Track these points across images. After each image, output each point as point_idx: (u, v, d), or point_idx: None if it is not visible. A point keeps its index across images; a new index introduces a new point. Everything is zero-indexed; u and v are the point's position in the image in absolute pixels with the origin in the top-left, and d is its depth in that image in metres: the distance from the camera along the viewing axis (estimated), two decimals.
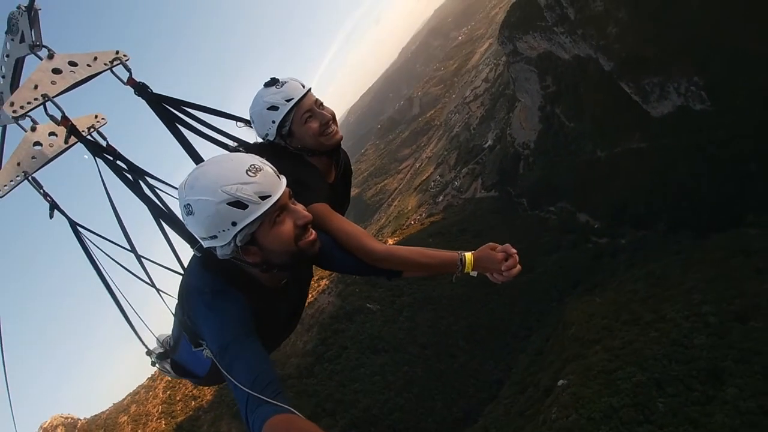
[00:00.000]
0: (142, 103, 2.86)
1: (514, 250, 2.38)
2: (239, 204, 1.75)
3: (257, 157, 1.88)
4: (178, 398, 66.77)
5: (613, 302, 42.23)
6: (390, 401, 51.87)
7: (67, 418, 72.47)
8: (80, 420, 72.49)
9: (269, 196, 1.79)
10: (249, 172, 1.78)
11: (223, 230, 1.79)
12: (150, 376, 75.99)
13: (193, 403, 64.37)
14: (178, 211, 2.07)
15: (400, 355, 56.48)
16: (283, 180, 1.88)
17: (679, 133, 51.61)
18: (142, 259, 3.04)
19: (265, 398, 1.56)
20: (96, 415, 73.12)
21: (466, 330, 56.58)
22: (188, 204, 1.80)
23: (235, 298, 1.90)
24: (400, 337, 58.17)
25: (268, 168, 1.84)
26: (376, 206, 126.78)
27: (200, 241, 1.93)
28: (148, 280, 3.05)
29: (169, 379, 69.29)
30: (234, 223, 1.77)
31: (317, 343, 60.48)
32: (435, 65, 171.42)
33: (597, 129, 60.73)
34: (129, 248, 2.97)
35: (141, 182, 2.74)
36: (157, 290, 3.00)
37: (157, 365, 3.11)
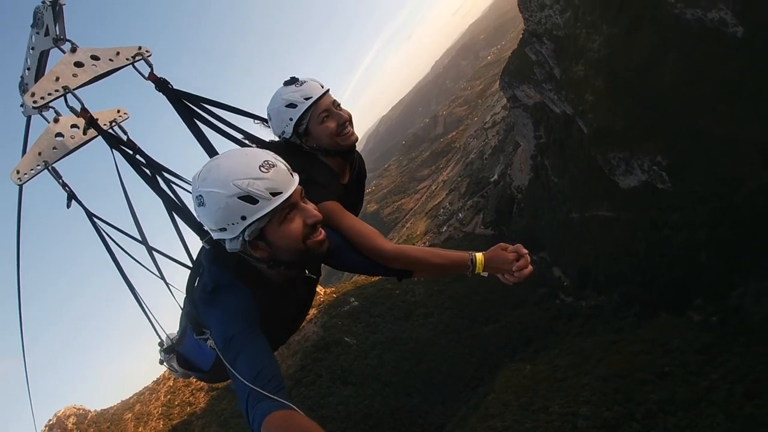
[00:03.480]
0: (163, 99, 2.93)
1: (525, 251, 2.44)
2: (250, 199, 1.79)
3: (272, 153, 1.93)
4: (176, 402, 74.50)
5: (533, 376, 45.03)
6: (346, 430, 56.53)
7: (79, 409, 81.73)
8: (90, 412, 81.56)
9: (280, 193, 1.83)
10: (262, 168, 1.81)
11: (233, 223, 1.83)
12: (155, 379, 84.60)
13: (188, 408, 71.98)
14: (191, 205, 2.11)
15: (365, 389, 60.83)
16: (296, 178, 1.93)
17: (642, 208, 52.65)
18: (153, 252, 3.10)
19: (266, 393, 1.57)
20: (105, 410, 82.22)
21: (425, 373, 60.13)
22: (200, 195, 1.84)
23: (243, 292, 1.95)
24: (367, 372, 62.48)
25: (281, 165, 1.89)
26: (392, 224, 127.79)
27: (210, 232, 1.98)
28: (158, 273, 3.10)
29: (171, 384, 77.41)
30: (243, 217, 1.81)
31: (298, 368, 65.63)
32: (463, 84, 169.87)
33: (574, 190, 62.19)
34: (141, 241, 3.03)
35: (158, 177, 2.81)
36: (166, 283, 3.05)
37: (165, 364, 3.15)
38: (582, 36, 59.78)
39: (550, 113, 68.41)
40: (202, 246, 2.20)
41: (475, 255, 2.49)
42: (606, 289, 55.80)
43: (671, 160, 50.38)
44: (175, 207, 2.55)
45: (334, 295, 74.83)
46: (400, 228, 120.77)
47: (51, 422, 78.51)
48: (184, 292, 2.27)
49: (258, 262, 1.98)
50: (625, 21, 55.63)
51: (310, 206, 1.97)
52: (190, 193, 2.10)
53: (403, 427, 55.83)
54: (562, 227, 63.52)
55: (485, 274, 2.53)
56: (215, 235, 1.94)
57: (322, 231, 2.00)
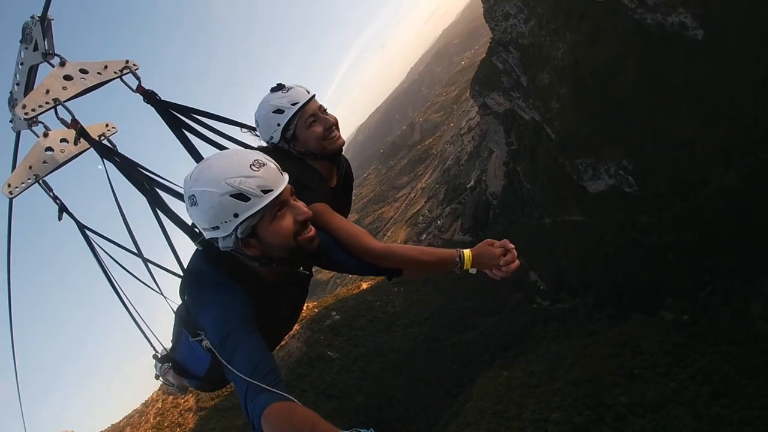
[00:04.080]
0: (151, 111, 2.98)
1: (512, 246, 2.54)
2: (242, 196, 1.84)
3: (262, 153, 1.97)
4: (165, 424, 74.37)
5: (509, 383, 45.73)
6: None
7: None
8: None
9: (271, 190, 1.88)
10: (253, 167, 1.86)
11: (225, 221, 1.88)
12: (144, 401, 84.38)
13: (178, 429, 71.92)
14: (180, 211, 2.18)
15: (349, 402, 61.18)
16: (285, 176, 1.98)
17: (610, 212, 53.72)
18: (149, 263, 3.08)
19: (264, 386, 1.59)
20: None
21: (407, 383, 60.48)
22: (193, 195, 1.89)
23: (236, 290, 1.98)
24: (350, 385, 62.84)
25: (271, 164, 1.94)
26: (372, 233, 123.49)
27: (202, 232, 2.02)
28: (155, 287, 3.08)
29: (160, 405, 77.05)
30: (236, 215, 1.86)
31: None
32: (438, 90, 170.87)
33: (545, 195, 63.22)
34: (136, 253, 3.03)
35: (148, 185, 2.75)
36: (165, 297, 2.97)
37: (161, 378, 3.17)
38: (546, 44, 60.91)
39: (520, 120, 69.50)
40: (195, 250, 2.24)
41: (462, 251, 2.56)
42: (580, 292, 56.78)
43: (636, 164, 51.47)
44: (167, 211, 2.55)
45: (316, 310, 74.99)
46: (381, 237, 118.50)
47: None
48: (178, 298, 2.33)
49: (250, 260, 2.04)
50: (588, 28, 56.74)
51: (300, 204, 2.03)
52: (184, 203, 2.25)
53: None
54: (535, 232, 64.51)
55: (473, 270, 2.61)
56: (208, 235, 2.00)
57: (312, 228, 2.06)
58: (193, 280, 2.15)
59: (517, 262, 2.53)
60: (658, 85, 49.94)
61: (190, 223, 2.23)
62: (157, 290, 3.02)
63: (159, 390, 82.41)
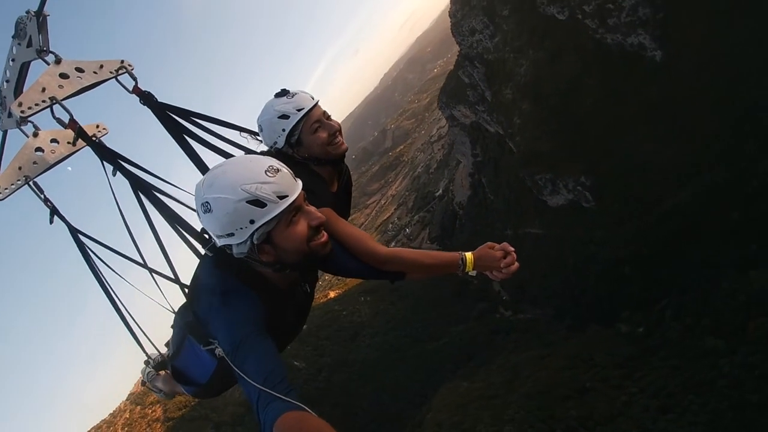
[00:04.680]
0: (143, 114, 2.95)
1: (512, 248, 2.67)
2: (258, 203, 1.85)
3: (274, 159, 1.99)
4: None
5: (468, 394, 46.73)
6: None
7: None
8: None
9: (287, 196, 1.91)
10: (268, 173, 1.88)
11: (241, 228, 1.89)
12: (111, 412, 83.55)
13: None
14: (185, 215, 2.26)
15: (314, 411, 61.19)
16: (299, 182, 2.00)
17: (569, 226, 55.20)
18: (148, 270, 3.02)
19: (277, 394, 1.60)
20: None
21: (371, 393, 61.25)
22: (207, 202, 1.89)
23: (248, 296, 2.00)
24: (316, 395, 63.12)
25: (285, 170, 1.96)
26: None
27: (215, 239, 2.02)
28: (151, 292, 3.01)
29: (128, 416, 76.40)
30: (252, 221, 1.87)
31: None
32: (410, 97, 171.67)
33: (507, 207, 64.55)
34: (144, 266, 2.97)
35: (149, 187, 2.77)
36: (168, 303, 2.94)
37: (147, 384, 3.15)
38: (510, 60, 62.23)
39: (485, 133, 70.70)
40: (204, 256, 2.24)
41: (465, 255, 2.68)
42: (540, 302, 58.23)
43: (594, 180, 52.91)
44: (170, 213, 2.56)
45: None
46: None
47: None
48: (171, 303, 2.36)
49: (264, 266, 2.05)
50: (550, 46, 58.24)
51: (313, 209, 2.05)
52: (183, 204, 2.37)
53: None
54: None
55: (474, 273, 2.72)
56: (221, 241, 1.99)
57: (325, 233, 2.09)
58: (203, 286, 2.15)
59: (517, 264, 2.68)
60: (617, 104, 51.39)
61: (199, 229, 2.27)
62: (162, 299, 3.00)
63: (127, 400, 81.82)
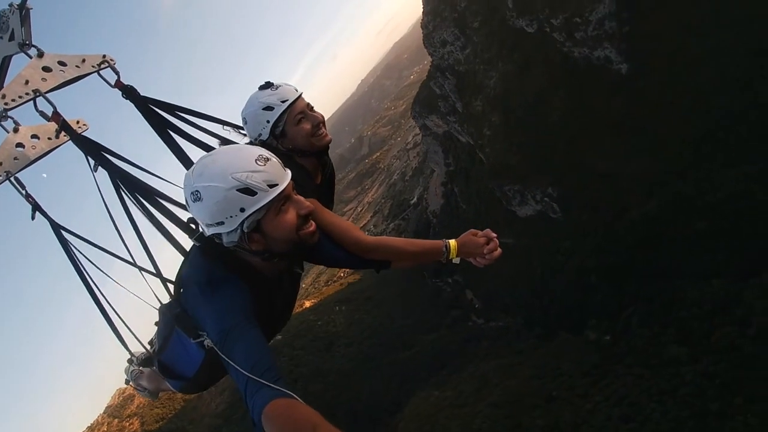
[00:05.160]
0: (127, 109, 2.90)
1: (494, 234, 2.68)
2: (248, 191, 1.86)
3: (263, 149, 2.00)
4: None
5: (438, 403, 47.56)
6: None
7: None
8: None
9: (277, 184, 1.91)
10: (258, 162, 1.89)
11: (231, 216, 1.89)
12: (89, 425, 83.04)
13: None
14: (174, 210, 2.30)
15: None
16: (288, 172, 2.00)
17: (538, 236, 56.26)
18: (132, 264, 2.98)
19: (265, 382, 1.58)
20: None
21: (346, 402, 61.63)
22: (197, 191, 1.89)
23: (236, 285, 1.99)
24: None
25: (274, 159, 1.97)
26: None
27: (204, 228, 2.02)
28: (139, 290, 2.97)
29: (105, 429, 75.81)
30: (242, 209, 1.88)
31: (226, 406, 66.06)
32: (386, 103, 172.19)
33: (478, 216, 65.46)
34: (134, 264, 2.95)
35: (134, 180, 2.74)
36: (144, 293, 2.88)
37: (132, 383, 3.14)
38: (480, 72, 63.27)
39: (457, 142, 71.64)
40: (192, 246, 2.24)
41: (448, 242, 2.65)
42: (511, 311, 59.19)
43: (561, 192, 54.08)
44: (161, 208, 2.56)
45: None
46: None
47: None
48: (155, 297, 2.36)
49: (253, 255, 2.04)
50: (519, 58, 59.36)
51: (302, 198, 2.06)
52: (170, 201, 2.38)
53: None
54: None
55: (457, 260, 2.70)
56: (211, 230, 1.99)
57: (313, 222, 2.09)
58: (191, 277, 2.15)
59: (499, 250, 2.69)
60: (583, 116, 52.51)
61: (185, 220, 2.26)
62: (148, 295, 2.91)
63: (104, 413, 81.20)
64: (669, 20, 47.26)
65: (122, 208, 2.65)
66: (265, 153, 1.95)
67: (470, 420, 42.04)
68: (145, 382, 3.12)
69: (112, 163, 2.73)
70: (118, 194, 2.64)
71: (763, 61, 41.98)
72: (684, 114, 45.57)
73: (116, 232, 2.91)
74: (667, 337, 42.05)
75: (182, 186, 2.01)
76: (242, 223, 1.91)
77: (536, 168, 55.79)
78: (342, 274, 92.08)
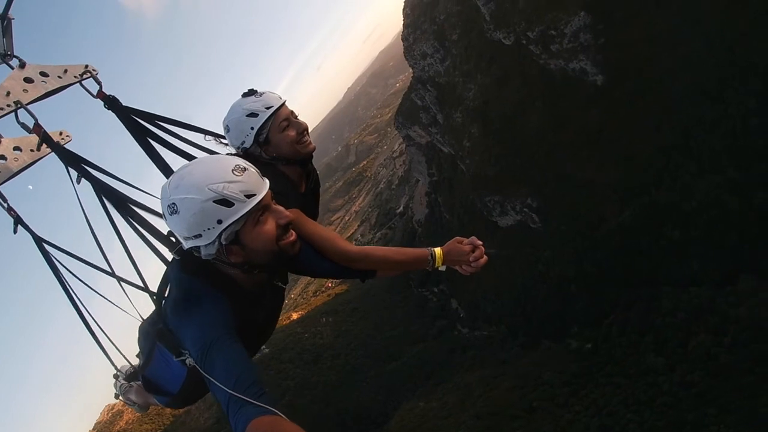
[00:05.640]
0: (110, 119, 2.87)
1: (480, 242, 2.64)
2: (225, 202, 1.80)
3: (240, 158, 1.95)
4: None
5: (423, 414, 48.13)
6: None
7: None
8: None
9: (254, 194, 1.85)
10: (235, 172, 1.83)
11: (208, 228, 1.84)
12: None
13: None
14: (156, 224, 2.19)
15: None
16: (266, 181, 1.96)
17: (519, 246, 56.94)
18: (113, 276, 2.94)
19: (247, 399, 1.53)
20: None
21: (334, 414, 61.91)
22: (173, 203, 1.83)
23: (216, 299, 1.94)
24: None
25: (252, 169, 1.91)
26: None
27: (182, 241, 1.95)
28: (132, 305, 2.91)
29: None
30: (219, 221, 1.82)
31: (214, 421, 66.31)
32: (373, 112, 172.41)
33: (461, 226, 66.10)
34: (112, 275, 2.91)
35: (115, 193, 2.73)
36: (140, 315, 2.86)
37: (121, 397, 3.08)
38: (460, 84, 63.99)
39: (440, 152, 72.34)
40: (171, 260, 2.19)
41: (434, 250, 2.63)
42: (495, 320, 59.85)
43: (540, 202, 54.79)
44: (141, 221, 2.55)
45: None
46: None
47: None
48: (138, 311, 2.31)
49: (232, 267, 2.00)
50: (497, 71, 60.09)
51: (281, 208, 2.00)
52: (153, 213, 2.33)
53: None
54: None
55: (443, 268, 2.69)
56: (189, 243, 1.93)
57: (294, 232, 2.04)
58: (170, 292, 2.13)
59: (485, 257, 2.66)
60: (560, 127, 53.12)
61: (165, 233, 2.21)
62: (132, 307, 2.92)
63: (93, 429, 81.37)
64: (642, 32, 47.92)
65: (107, 220, 2.62)
66: (242, 163, 1.91)
67: (453, 431, 42.60)
68: (134, 396, 3.04)
69: (93, 175, 2.72)
70: (102, 206, 2.63)
71: (732, 73, 42.85)
72: (656, 124, 46.25)
73: (96, 243, 2.89)
74: (645, 346, 42.83)
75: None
76: (220, 235, 1.87)
77: (515, 179, 56.50)
78: (330, 284, 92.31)
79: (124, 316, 2.86)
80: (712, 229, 42.57)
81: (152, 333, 2.40)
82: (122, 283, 2.89)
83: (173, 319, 2.02)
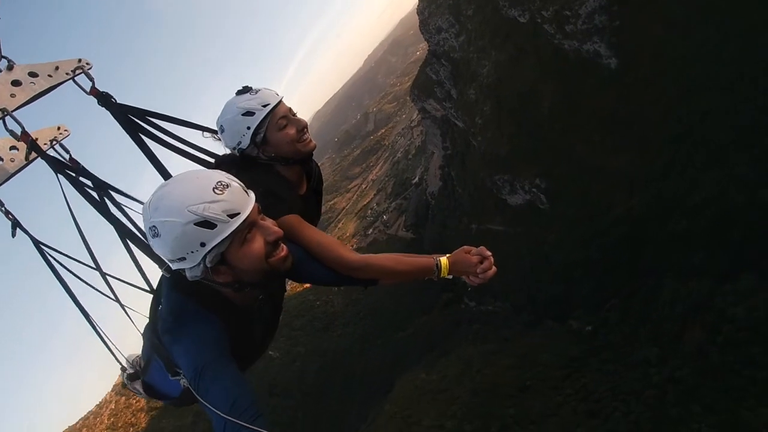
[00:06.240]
0: (107, 115, 2.79)
1: (489, 253, 2.59)
2: (207, 224, 1.73)
3: (224, 173, 1.87)
4: (119, 425, 79.80)
5: (423, 386, 49.87)
6: None
7: None
8: None
9: (238, 213, 1.77)
10: (216, 190, 1.75)
11: (191, 251, 1.76)
12: (98, 403, 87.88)
13: (131, 429, 76.32)
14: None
15: (288, 400, 65.27)
16: (252, 195, 1.87)
17: (527, 226, 57.61)
18: (108, 276, 2.96)
19: (243, 424, 1.53)
20: None
21: (342, 381, 64.69)
22: (154, 226, 1.75)
23: (208, 319, 1.90)
24: (290, 383, 66.77)
25: (235, 184, 1.83)
26: (325, 224, 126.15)
27: (168, 263, 1.89)
28: (114, 299, 2.98)
29: (113, 407, 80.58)
30: (203, 244, 1.75)
31: None
32: (392, 80, 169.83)
33: (472, 202, 66.82)
34: (95, 267, 2.90)
35: (106, 198, 2.73)
36: (123, 308, 2.90)
37: (129, 386, 3.04)
38: (474, 60, 63.58)
39: (454, 127, 72.31)
40: (162, 276, 2.15)
41: (440, 259, 2.56)
42: (501, 296, 61.07)
43: (548, 183, 55.06)
44: (126, 231, 2.51)
45: None
46: (332, 229, 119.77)
47: None
48: (147, 317, 2.27)
49: (222, 287, 1.95)
50: (511, 49, 59.49)
51: (269, 222, 1.93)
52: (141, 214, 2.18)
53: None
54: (464, 236, 68.21)
55: (450, 276, 2.62)
56: (174, 266, 1.87)
57: (284, 247, 1.97)
58: (162, 309, 2.08)
59: (494, 269, 2.60)
60: (572, 110, 52.64)
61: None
62: (121, 305, 2.94)
63: (112, 391, 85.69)
64: (656, 16, 46.96)
65: (109, 222, 2.59)
66: (225, 178, 1.84)
67: (447, 405, 44.29)
68: (139, 387, 2.96)
69: (81, 182, 2.71)
70: (96, 208, 2.61)
71: (746, 65, 41.98)
72: (666, 112, 45.70)
73: (85, 245, 2.87)
74: (641, 336, 43.34)
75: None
76: (204, 257, 1.81)
77: (525, 158, 56.67)
78: None
79: (133, 314, 2.90)
80: (714, 222, 42.35)
81: (149, 344, 2.43)
82: (104, 277, 2.96)
83: (165, 337, 1.99)
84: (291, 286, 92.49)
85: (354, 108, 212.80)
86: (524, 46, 57.85)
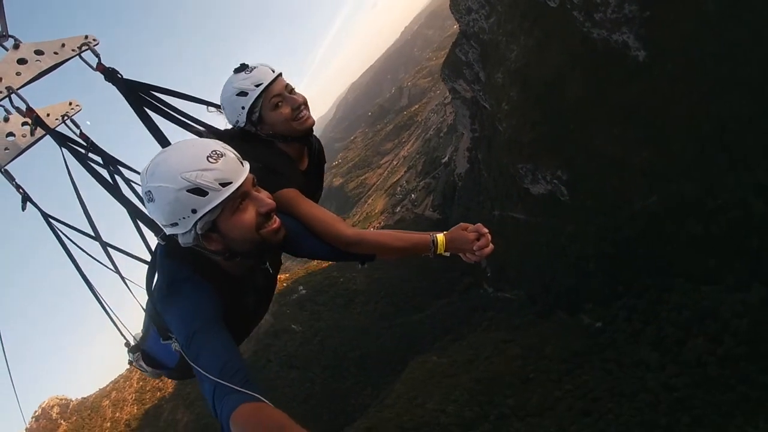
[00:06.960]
0: (115, 90, 2.80)
1: (486, 230, 2.49)
2: (199, 191, 1.74)
3: (220, 142, 1.87)
4: (147, 389, 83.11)
5: (432, 369, 51.14)
6: (291, 410, 63.56)
7: (62, 399, 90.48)
8: (72, 401, 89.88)
9: (230, 183, 1.79)
10: (210, 158, 1.76)
11: (184, 217, 1.79)
12: (128, 367, 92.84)
13: (158, 393, 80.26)
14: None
15: (307, 373, 67.59)
16: (246, 166, 1.88)
17: (547, 216, 57.30)
18: (111, 249, 2.96)
19: (233, 386, 1.51)
20: (85, 398, 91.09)
21: (358, 358, 66.69)
22: (149, 191, 1.78)
23: (201, 286, 1.92)
24: (310, 357, 69.11)
25: (230, 154, 1.83)
26: (355, 199, 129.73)
27: (162, 228, 1.92)
28: (115, 270, 2.98)
29: (132, 383, 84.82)
30: (194, 211, 1.77)
31: (251, 354, 72.15)
32: (428, 53, 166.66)
33: (496, 188, 66.63)
34: (98, 239, 2.91)
35: (115, 174, 2.76)
36: (124, 280, 2.93)
37: (134, 364, 3.02)
38: (502, 44, 62.55)
39: (483, 109, 71.68)
40: (157, 244, 2.16)
41: (436, 236, 2.52)
42: (517, 284, 61.36)
43: (569, 175, 54.38)
44: (132, 207, 2.55)
45: (285, 284, 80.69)
46: (362, 204, 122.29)
47: (36, 413, 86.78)
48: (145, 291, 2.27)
49: (213, 255, 1.97)
50: (539, 34, 58.24)
51: (263, 194, 1.94)
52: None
53: (337, 407, 62.79)
54: (486, 221, 67.81)
55: (447, 253, 2.58)
56: (167, 231, 1.90)
57: (277, 219, 1.97)
58: (157, 276, 2.12)
59: (491, 246, 2.51)
60: (597, 101, 51.73)
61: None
62: (122, 277, 2.97)
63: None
64: (689, 10, 45.08)
65: (113, 196, 2.61)
66: (220, 147, 1.84)
67: (451, 390, 45.48)
68: (144, 364, 2.97)
69: (83, 154, 2.77)
70: (100, 183, 2.63)
71: None
72: (692, 112, 44.38)
73: (88, 221, 2.92)
74: (645, 337, 43.36)
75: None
76: (195, 224, 1.82)
77: (548, 148, 56.03)
78: (375, 227, 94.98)
79: (140, 289, 2.81)
80: (731, 230, 41.39)
81: (147, 312, 2.49)
82: (106, 249, 2.99)
83: (160, 304, 2.02)
84: (317, 261, 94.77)
85: (389, 81, 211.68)
86: (552, 31, 56.57)
